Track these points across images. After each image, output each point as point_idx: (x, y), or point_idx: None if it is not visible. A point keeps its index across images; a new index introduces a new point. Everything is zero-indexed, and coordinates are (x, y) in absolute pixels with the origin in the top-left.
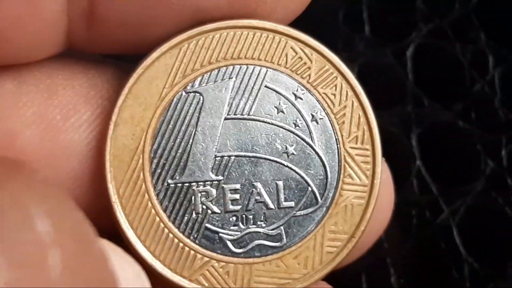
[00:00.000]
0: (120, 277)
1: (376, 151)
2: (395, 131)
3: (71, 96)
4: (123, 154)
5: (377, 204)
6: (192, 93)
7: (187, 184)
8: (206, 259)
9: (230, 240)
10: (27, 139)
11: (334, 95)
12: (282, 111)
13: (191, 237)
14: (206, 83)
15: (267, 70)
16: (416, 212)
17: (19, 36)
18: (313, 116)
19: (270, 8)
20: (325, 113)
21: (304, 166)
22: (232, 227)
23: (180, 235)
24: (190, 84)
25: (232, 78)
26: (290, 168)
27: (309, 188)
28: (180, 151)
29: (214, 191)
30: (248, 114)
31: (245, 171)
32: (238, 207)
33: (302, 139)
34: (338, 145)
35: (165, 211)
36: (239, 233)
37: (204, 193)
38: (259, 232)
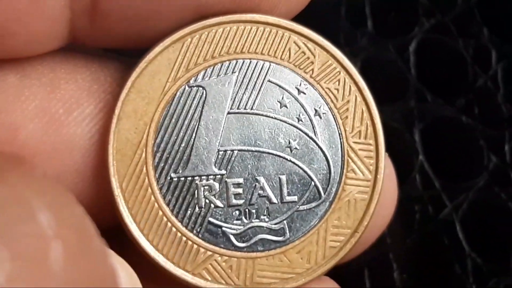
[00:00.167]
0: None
1: (380, 146)
2: (398, 127)
3: (74, 90)
4: (126, 148)
5: (380, 199)
6: (195, 87)
7: (190, 178)
8: (209, 253)
9: (233, 234)
10: (29, 133)
11: (337, 90)
12: (285, 106)
13: (194, 231)
14: (209, 77)
15: (270, 65)
16: (419, 208)
17: (22, 30)
18: (316, 110)
19: (273, 3)
20: (328, 107)
21: (307, 160)
22: (235, 221)
23: (183, 229)
24: (193, 78)
25: (235, 72)
26: (293, 162)
27: (312, 183)
28: (183, 145)
29: (217, 185)
30: (251, 109)
31: (248, 165)
32: (241, 201)
33: (305, 133)
34: (341, 140)
35: (168, 205)
36: (242, 227)
37: (207, 187)
38: (262, 227)
